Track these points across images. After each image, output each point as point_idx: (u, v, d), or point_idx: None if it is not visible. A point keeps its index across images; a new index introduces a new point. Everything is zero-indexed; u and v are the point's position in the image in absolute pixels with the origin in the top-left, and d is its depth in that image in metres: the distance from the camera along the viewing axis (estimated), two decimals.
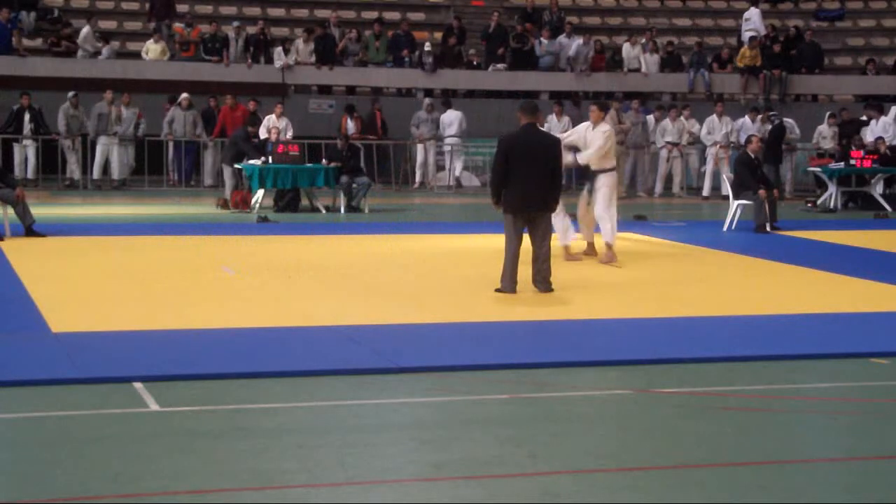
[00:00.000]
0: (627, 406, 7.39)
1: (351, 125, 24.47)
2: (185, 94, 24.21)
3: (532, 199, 11.21)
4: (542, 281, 11.33)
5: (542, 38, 27.70)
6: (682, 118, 24.94)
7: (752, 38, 28.04)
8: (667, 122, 24.95)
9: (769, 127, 23.42)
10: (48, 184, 23.50)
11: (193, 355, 8.40)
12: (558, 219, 13.10)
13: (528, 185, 11.14)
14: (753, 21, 28.73)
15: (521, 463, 6.15)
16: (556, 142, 11.65)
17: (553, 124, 25.34)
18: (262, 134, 21.46)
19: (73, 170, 23.69)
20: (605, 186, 13.70)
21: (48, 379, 7.63)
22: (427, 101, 25.53)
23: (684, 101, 27.37)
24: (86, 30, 25.88)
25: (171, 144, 24.20)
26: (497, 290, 11.24)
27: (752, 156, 17.92)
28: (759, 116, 24.32)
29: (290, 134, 22.27)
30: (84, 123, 23.58)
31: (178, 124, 24.09)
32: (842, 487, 5.94)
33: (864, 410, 7.39)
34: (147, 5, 27.86)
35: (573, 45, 27.73)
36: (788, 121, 24.44)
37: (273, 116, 22.37)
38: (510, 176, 11.14)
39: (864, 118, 24.76)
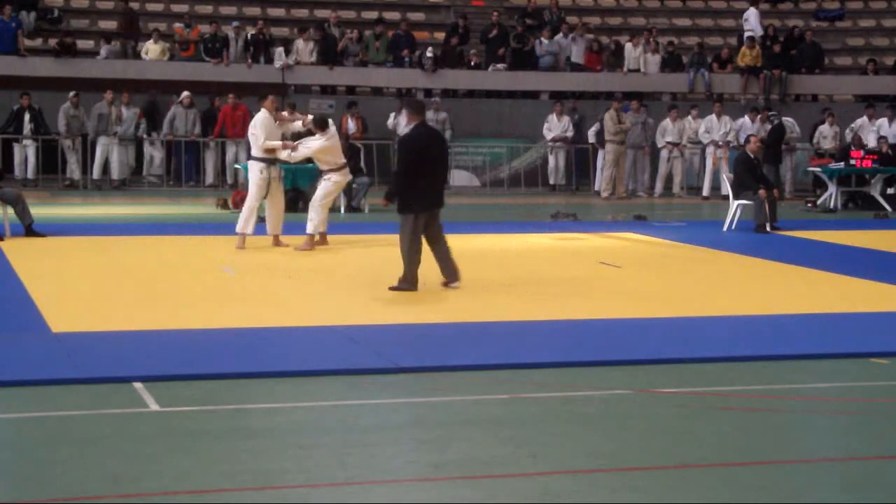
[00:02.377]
0: (627, 406, 7.39)
1: (352, 125, 24.39)
2: (186, 93, 24.22)
3: (437, 198, 11.36)
4: (453, 275, 11.41)
5: (542, 39, 27.71)
6: (689, 118, 24.92)
7: (749, 39, 28.06)
8: (667, 122, 24.96)
9: (769, 127, 23.42)
10: (48, 184, 23.52)
11: (193, 355, 8.40)
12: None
13: (433, 184, 11.26)
14: (751, 21, 28.78)
15: (521, 463, 6.15)
16: (444, 138, 11.80)
17: (553, 123, 25.38)
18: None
19: (73, 170, 23.70)
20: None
21: (48, 379, 7.63)
22: (433, 99, 25.49)
23: (684, 101, 27.36)
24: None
25: (170, 144, 24.24)
26: (392, 289, 11.17)
27: (752, 156, 17.93)
28: (759, 116, 24.32)
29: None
30: (84, 123, 23.60)
31: (179, 122, 24.11)
32: (842, 487, 5.94)
33: (864, 410, 7.39)
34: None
35: (566, 39, 27.80)
36: (788, 120, 24.44)
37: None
38: (416, 176, 11.15)
39: (854, 126, 24.84)
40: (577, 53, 27.76)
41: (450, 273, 11.46)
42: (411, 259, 11.20)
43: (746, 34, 28.46)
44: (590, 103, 27.01)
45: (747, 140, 18.71)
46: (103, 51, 26.08)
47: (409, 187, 11.19)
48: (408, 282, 11.22)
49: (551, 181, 25.63)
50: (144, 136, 24.09)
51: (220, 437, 6.52)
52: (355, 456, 6.16)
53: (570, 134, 25.35)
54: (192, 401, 7.26)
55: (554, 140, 25.26)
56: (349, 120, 24.47)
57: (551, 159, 25.56)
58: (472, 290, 11.44)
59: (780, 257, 14.40)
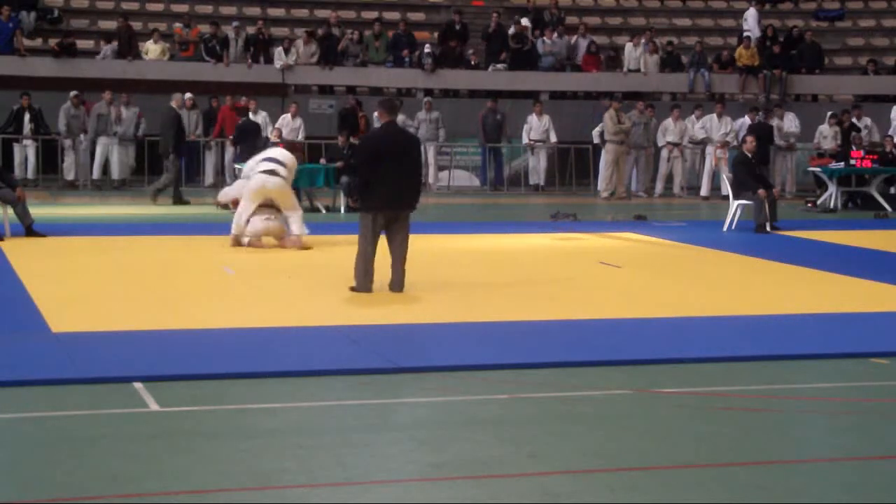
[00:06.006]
0: (627, 406, 7.39)
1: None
2: (188, 94, 24.21)
3: (396, 199, 11.14)
4: (398, 283, 11.24)
5: (545, 38, 27.68)
6: (692, 117, 24.88)
7: (746, 39, 28.09)
8: (668, 122, 24.94)
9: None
10: (48, 184, 23.52)
11: (193, 355, 8.40)
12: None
13: (392, 185, 11.04)
14: (750, 22, 28.81)
15: (521, 463, 6.15)
16: (416, 140, 11.80)
17: (533, 124, 25.30)
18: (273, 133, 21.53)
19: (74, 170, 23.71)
20: None
21: (48, 379, 7.63)
22: (426, 99, 25.48)
23: (685, 101, 27.36)
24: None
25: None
26: (352, 289, 11.10)
27: (749, 155, 17.95)
28: (757, 117, 24.31)
29: (301, 136, 22.74)
30: (84, 123, 23.59)
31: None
32: (842, 487, 5.94)
33: (864, 410, 7.39)
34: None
35: (562, 40, 27.81)
36: (788, 115, 24.46)
37: (288, 116, 22.80)
38: (372, 175, 11.07)
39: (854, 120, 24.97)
40: (578, 54, 27.75)
41: (394, 282, 11.24)
42: (362, 258, 11.10)
43: (744, 34, 28.49)
44: (590, 103, 27.02)
45: (743, 140, 18.70)
46: (104, 51, 26.08)
47: (364, 186, 11.17)
48: (357, 280, 11.11)
49: (531, 181, 25.50)
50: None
51: (220, 437, 6.52)
52: (355, 456, 6.16)
53: (551, 134, 25.22)
54: (192, 401, 7.26)
55: (534, 141, 25.19)
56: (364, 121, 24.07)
57: (532, 160, 25.48)
58: (471, 290, 11.43)
59: (780, 257, 14.39)
